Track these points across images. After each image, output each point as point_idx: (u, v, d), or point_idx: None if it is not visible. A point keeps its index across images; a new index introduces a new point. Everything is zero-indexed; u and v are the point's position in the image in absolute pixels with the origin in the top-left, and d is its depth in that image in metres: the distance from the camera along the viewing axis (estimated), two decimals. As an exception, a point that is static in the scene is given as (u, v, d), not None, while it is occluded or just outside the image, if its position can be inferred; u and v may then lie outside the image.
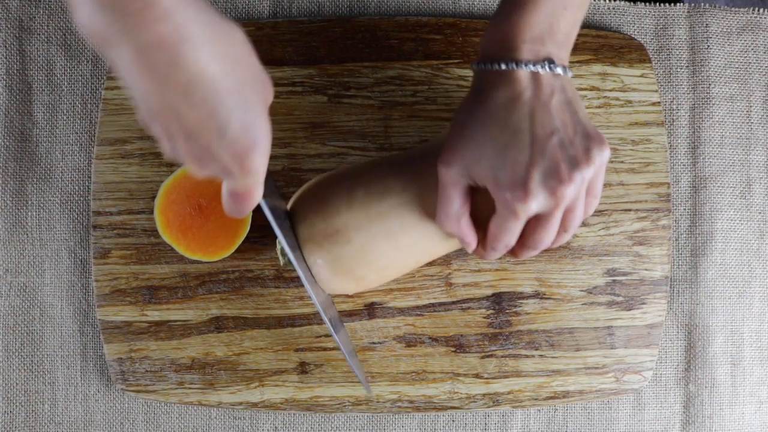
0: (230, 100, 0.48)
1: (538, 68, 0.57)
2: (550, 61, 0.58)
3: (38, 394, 0.77)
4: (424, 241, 0.65)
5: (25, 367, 0.77)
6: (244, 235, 0.73)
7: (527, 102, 0.57)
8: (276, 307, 0.76)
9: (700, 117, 0.80)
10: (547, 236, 0.59)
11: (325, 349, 0.76)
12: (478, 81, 0.60)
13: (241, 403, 0.76)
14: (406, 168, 0.65)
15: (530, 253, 0.62)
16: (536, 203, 0.57)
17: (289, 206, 0.66)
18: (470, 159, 0.58)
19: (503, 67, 0.57)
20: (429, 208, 0.63)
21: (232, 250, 0.73)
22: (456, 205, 0.60)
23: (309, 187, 0.66)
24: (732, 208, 0.80)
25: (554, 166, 0.56)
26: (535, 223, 0.59)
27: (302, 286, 0.76)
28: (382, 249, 0.64)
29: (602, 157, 0.58)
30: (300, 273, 0.64)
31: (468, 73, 0.77)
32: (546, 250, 0.77)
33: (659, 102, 0.78)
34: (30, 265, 0.77)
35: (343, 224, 0.63)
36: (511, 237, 0.60)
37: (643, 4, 0.80)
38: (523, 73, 0.57)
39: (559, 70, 0.58)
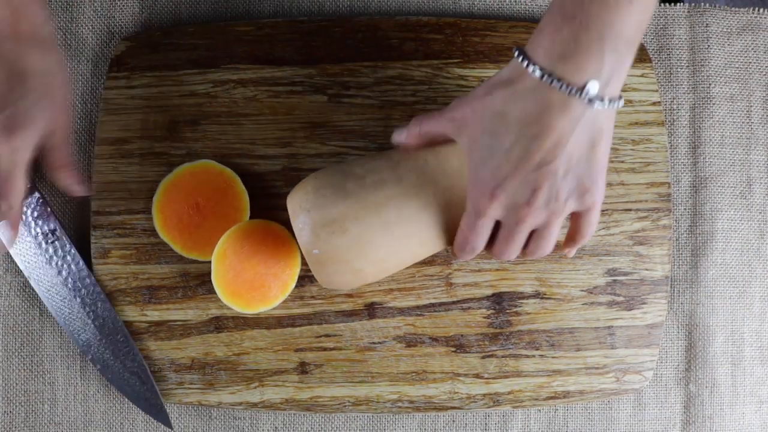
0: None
1: (597, 105, 0.52)
2: (611, 99, 0.53)
3: (38, 394, 0.77)
4: (421, 233, 0.65)
5: (25, 367, 0.77)
6: None
7: (553, 127, 0.53)
8: (276, 306, 0.76)
9: (700, 117, 0.80)
10: (508, 250, 0.61)
11: (325, 349, 0.76)
12: (516, 73, 0.55)
13: (241, 403, 0.76)
14: (403, 160, 0.65)
15: (499, 258, 0.63)
16: (497, 211, 0.58)
17: (288, 197, 0.67)
18: (470, 140, 0.58)
19: (564, 90, 0.52)
20: (426, 198, 0.64)
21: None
22: None
23: (304, 181, 0.66)
24: (732, 208, 0.80)
25: (530, 192, 0.56)
26: (499, 233, 0.61)
27: (302, 285, 0.76)
28: (379, 240, 0.64)
29: (582, 207, 0.58)
30: None
31: (468, 73, 0.77)
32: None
33: (659, 102, 0.78)
34: (30, 265, 0.77)
35: (339, 214, 0.63)
36: (476, 238, 0.61)
37: (643, 3, 0.80)
38: (576, 103, 0.52)
39: (616, 104, 0.53)
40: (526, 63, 0.53)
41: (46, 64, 0.63)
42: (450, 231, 0.66)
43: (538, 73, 0.52)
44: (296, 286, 0.75)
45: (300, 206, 0.65)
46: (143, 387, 0.75)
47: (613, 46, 0.51)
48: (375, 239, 0.64)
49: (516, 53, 0.54)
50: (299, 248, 0.65)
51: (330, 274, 0.66)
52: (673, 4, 0.80)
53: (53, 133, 0.65)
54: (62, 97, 0.65)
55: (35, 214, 0.75)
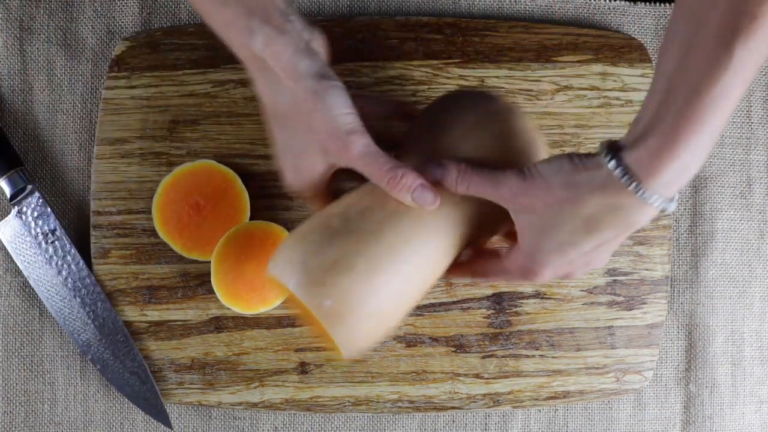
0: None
1: (663, 206, 0.51)
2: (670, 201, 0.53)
3: (38, 394, 0.77)
4: (428, 247, 0.59)
5: (25, 367, 0.77)
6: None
7: (631, 228, 0.54)
8: (276, 306, 0.76)
9: (700, 117, 0.80)
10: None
11: (325, 349, 0.76)
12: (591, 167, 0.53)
13: (241, 403, 0.76)
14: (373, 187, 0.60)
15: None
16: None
17: (270, 266, 0.59)
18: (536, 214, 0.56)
19: (643, 196, 0.51)
20: (417, 210, 0.58)
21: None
22: None
23: (282, 244, 0.59)
24: (732, 208, 0.80)
25: (565, 271, 0.59)
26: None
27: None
28: (389, 267, 0.57)
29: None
30: None
31: (468, 73, 0.77)
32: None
33: (659, 102, 0.78)
34: (30, 265, 0.77)
35: (338, 253, 0.56)
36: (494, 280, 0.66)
37: (643, 4, 0.80)
38: (641, 203, 0.51)
39: (670, 207, 0.52)
40: (635, 185, 0.50)
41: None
42: (458, 232, 0.61)
43: (640, 192, 0.51)
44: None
45: (290, 264, 0.57)
46: (143, 387, 0.75)
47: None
48: (385, 267, 0.57)
49: (621, 173, 0.51)
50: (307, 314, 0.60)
51: (351, 328, 0.56)
52: (673, 3, 0.80)
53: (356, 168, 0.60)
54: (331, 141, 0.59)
55: (35, 214, 0.75)
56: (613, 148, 0.51)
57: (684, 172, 0.50)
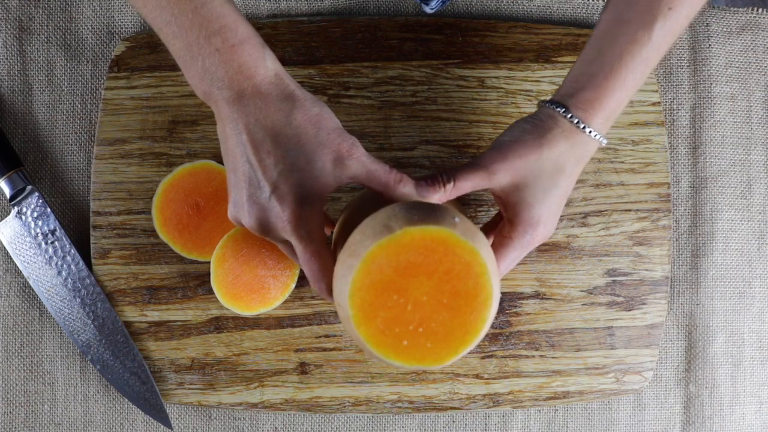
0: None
1: (603, 139, 0.63)
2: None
3: (38, 394, 0.77)
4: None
5: (25, 367, 0.77)
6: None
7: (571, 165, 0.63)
8: (276, 307, 0.76)
9: (700, 117, 0.80)
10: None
11: (325, 350, 0.76)
12: (546, 120, 0.63)
13: (240, 404, 0.76)
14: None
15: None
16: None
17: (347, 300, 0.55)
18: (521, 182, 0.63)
19: (585, 129, 0.62)
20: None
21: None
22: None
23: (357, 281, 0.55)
24: (732, 209, 0.80)
25: (556, 218, 0.66)
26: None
27: (302, 286, 0.76)
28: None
29: None
30: None
31: (468, 73, 0.77)
32: (546, 251, 0.77)
33: (659, 102, 0.78)
34: (30, 265, 0.77)
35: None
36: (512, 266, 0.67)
37: (643, 3, 0.80)
38: (591, 142, 0.63)
39: (605, 141, 0.63)
40: (583, 126, 0.62)
41: (287, 111, 0.57)
42: None
43: (592, 132, 0.62)
44: (296, 287, 0.75)
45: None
46: (143, 387, 0.75)
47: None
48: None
49: (570, 116, 0.62)
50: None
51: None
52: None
53: (345, 169, 0.59)
54: (327, 129, 0.58)
55: (35, 214, 0.75)
56: (555, 103, 0.62)
57: (612, 114, 0.63)
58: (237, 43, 0.56)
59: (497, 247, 0.65)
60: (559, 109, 0.62)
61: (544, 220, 0.63)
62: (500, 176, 0.62)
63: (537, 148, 0.61)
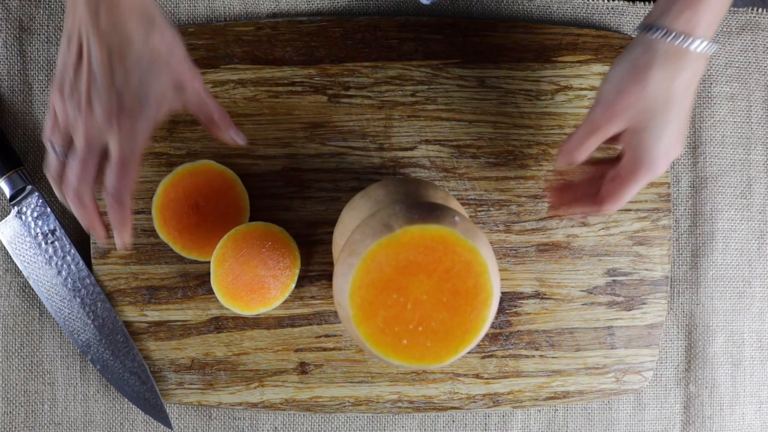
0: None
1: (711, 48, 0.62)
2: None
3: (38, 394, 0.77)
4: None
5: (25, 367, 0.77)
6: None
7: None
8: (276, 307, 0.76)
9: (700, 117, 0.80)
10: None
11: (325, 350, 0.76)
12: (641, 56, 0.62)
13: (240, 404, 0.76)
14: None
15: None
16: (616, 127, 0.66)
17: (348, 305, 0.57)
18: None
19: (690, 46, 0.61)
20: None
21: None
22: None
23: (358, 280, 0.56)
24: (732, 208, 0.80)
25: (676, 150, 0.66)
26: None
27: (302, 286, 0.76)
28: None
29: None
30: None
31: (468, 73, 0.77)
32: (546, 251, 0.77)
33: (659, 102, 0.78)
34: (30, 265, 0.77)
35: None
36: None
37: (643, 3, 0.80)
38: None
39: (714, 47, 0.63)
40: (686, 42, 0.60)
41: (146, 29, 0.60)
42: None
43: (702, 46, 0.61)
44: (296, 287, 0.75)
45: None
46: (143, 387, 0.75)
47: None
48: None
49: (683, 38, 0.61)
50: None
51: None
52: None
53: (183, 94, 0.63)
54: (178, 57, 0.62)
55: (35, 214, 0.75)
56: (651, 27, 0.61)
57: (716, 14, 0.61)
58: None
59: (618, 182, 0.66)
60: (657, 33, 0.61)
61: (664, 152, 0.64)
62: (613, 129, 0.64)
63: (640, 92, 0.61)
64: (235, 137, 0.68)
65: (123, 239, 0.63)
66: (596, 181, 0.68)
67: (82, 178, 0.61)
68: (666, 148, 0.64)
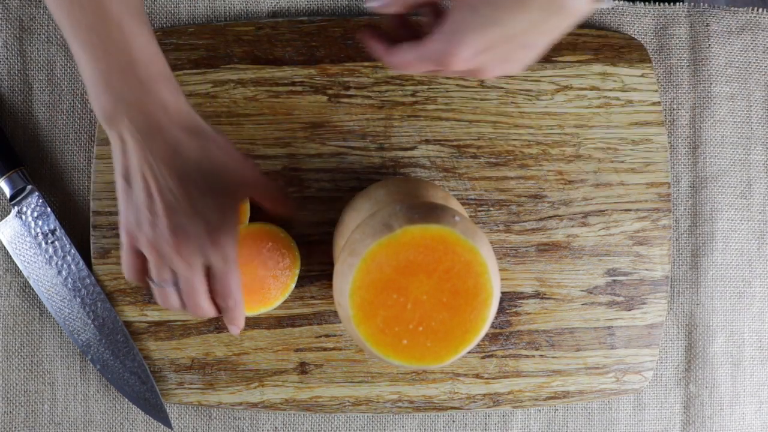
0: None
1: None
2: None
3: (38, 394, 0.77)
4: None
5: (25, 367, 0.77)
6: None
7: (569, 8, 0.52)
8: (276, 307, 0.76)
9: (700, 117, 0.80)
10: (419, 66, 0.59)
11: (325, 349, 0.76)
12: None
13: (241, 403, 0.76)
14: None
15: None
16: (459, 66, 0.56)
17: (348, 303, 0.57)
18: None
19: None
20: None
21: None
22: None
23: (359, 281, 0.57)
24: (732, 208, 0.80)
25: (501, 60, 0.56)
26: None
27: (302, 285, 0.76)
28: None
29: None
30: None
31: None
32: (546, 251, 0.77)
33: (659, 102, 0.78)
34: (30, 265, 0.77)
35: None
36: (417, 67, 0.59)
37: (643, 3, 0.80)
38: None
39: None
40: None
41: (201, 143, 0.60)
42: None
43: None
44: (296, 287, 0.75)
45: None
46: (143, 387, 0.75)
47: None
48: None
49: None
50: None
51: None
52: (673, 3, 0.80)
53: (248, 189, 0.64)
54: (235, 157, 0.62)
55: (35, 214, 0.75)
56: None
57: None
58: (159, 78, 0.59)
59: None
60: None
61: (455, 48, 0.54)
62: None
63: None
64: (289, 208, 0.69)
65: (240, 327, 0.66)
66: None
67: (199, 294, 0.62)
68: (469, 42, 0.53)
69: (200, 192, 0.59)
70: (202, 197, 0.59)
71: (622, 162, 0.77)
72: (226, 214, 0.60)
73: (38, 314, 0.77)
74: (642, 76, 0.78)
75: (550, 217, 0.77)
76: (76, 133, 0.77)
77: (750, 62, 0.80)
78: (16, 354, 0.77)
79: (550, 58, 0.77)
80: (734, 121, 0.80)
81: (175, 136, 0.58)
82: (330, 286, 0.76)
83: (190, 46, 0.76)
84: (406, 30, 0.62)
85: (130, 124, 0.57)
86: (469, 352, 0.76)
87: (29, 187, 0.75)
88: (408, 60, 0.58)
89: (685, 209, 0.80)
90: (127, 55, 0.57)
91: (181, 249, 0.59)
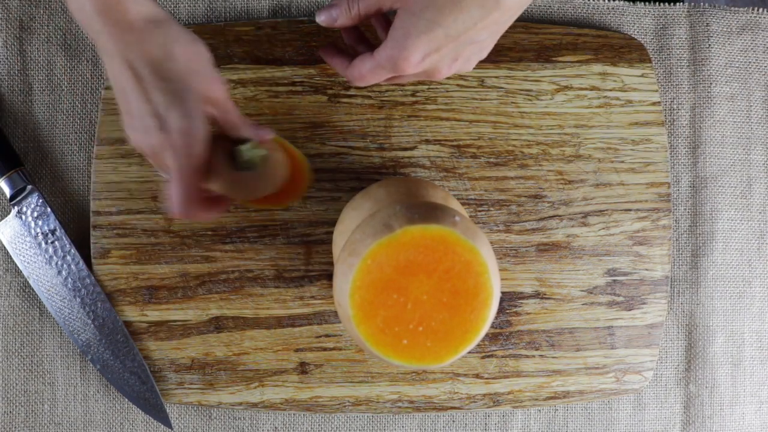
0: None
1: None
2: None
3: (38, 394, 0.77)
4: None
5: (25, 367, 0.77)
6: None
7: (506, 6, 0.57)
8: (276, 307, 0.76)
9: (700, 117, 0.80)
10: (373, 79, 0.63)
11: (325, 349, 0.76)
12: None
13: (241, 404, 0.76)
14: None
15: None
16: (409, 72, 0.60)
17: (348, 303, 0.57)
18: None
19: None
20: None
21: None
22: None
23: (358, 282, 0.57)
24: (732, 208, 0.80)
25: (450, 61, 0.60)
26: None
27: (302, 285, 0.76)
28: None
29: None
30: None
31: (468, 73, 0.77)
32: (546, 251, 0.77)
33: (659, 102, 0.78)
34: (30, 265, 0.77)
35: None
36: (371, 80, 0.63)
37: (643, 3, 0.80)
38: None
39: None
40: None
41: (171, 43, 0.57)
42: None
43: None
44: (296, 286, 0.75)
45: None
46: (143, 387, 0.75)
47: None
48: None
49: None
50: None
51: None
52: (673, 3, 0.80)
53: (214, 105, 0.61)
54: (204, 71, 0.59)
55: (35, 214, 0.75)
56: None
57: None
58: None
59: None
60: None
61: (406, 54, 0.57)
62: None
63: None
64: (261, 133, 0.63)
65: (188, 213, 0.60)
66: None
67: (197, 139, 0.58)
68: (417, 45, 0.57)
69: (161, 95, 0.56)
70: (161, 97, 0.56)
71: (622, 162, 0.77)
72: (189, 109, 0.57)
73: (38, 314, 0.77)
74: (642, 76, 0.78)
75: (550, 217, 0.77)
76: (76, 133, 0.77)
77: (750, 62, 0.80)
78: (16, 354, 0.77)
79: (550, 58, 0.77)
80: (734, 121, 0.80)
81: (140, 28, 0.56)
82: (330, 286, 0.76)
83: (190, 46, 0.76)
84: (363, 45, 0.65)
85: (98, 27, 0.55)
86: (469, 352, 0.76)
87: (29, 187, 0.75)
88: (364, 71, 0.61)
89: (685, 209, 0.80)
90: None
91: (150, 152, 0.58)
